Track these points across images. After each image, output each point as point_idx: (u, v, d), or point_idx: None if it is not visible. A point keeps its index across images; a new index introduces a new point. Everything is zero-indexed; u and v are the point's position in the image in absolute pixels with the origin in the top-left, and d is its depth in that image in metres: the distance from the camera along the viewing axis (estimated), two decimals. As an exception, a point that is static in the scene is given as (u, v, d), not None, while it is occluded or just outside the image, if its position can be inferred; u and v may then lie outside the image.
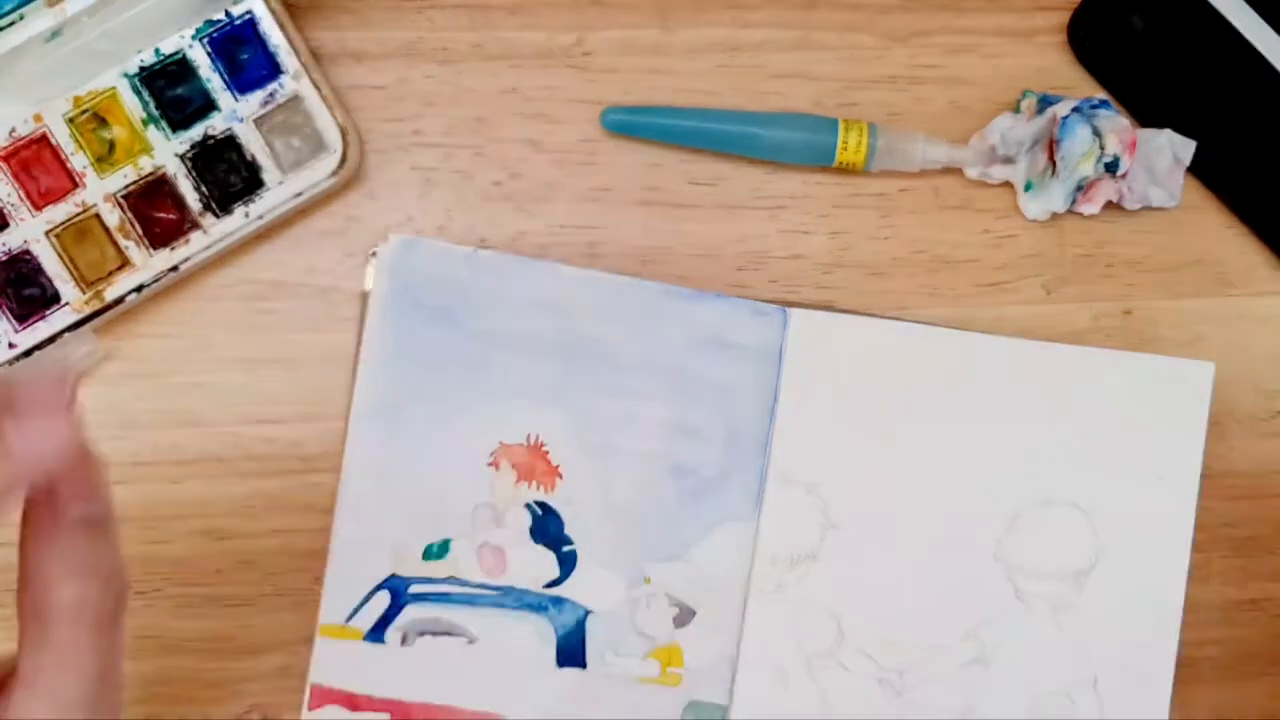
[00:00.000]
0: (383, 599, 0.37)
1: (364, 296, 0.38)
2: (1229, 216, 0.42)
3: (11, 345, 0.37)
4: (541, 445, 0.37)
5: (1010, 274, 0.41)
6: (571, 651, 0.37)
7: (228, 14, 0.38)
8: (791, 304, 0.39)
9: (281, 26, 0.38)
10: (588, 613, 0.37)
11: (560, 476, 0.37)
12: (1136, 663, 0.38)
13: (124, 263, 0.38)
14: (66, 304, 0.37)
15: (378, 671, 0.37)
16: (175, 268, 0.38)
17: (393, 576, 0.37)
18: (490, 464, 0.37)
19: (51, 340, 0.37)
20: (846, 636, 0.38)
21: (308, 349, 0.39)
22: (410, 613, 0.37)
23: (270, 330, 0.39)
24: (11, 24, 0.35)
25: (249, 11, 0.38)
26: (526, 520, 0.37)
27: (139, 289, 0.38)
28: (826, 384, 0.38)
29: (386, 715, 0.37)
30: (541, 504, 0.37)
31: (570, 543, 0.37)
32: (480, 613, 0.37)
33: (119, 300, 0.38)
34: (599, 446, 0.38)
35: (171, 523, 0.38)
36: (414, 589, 0.37)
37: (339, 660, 0.37)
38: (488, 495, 0.37)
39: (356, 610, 0.37)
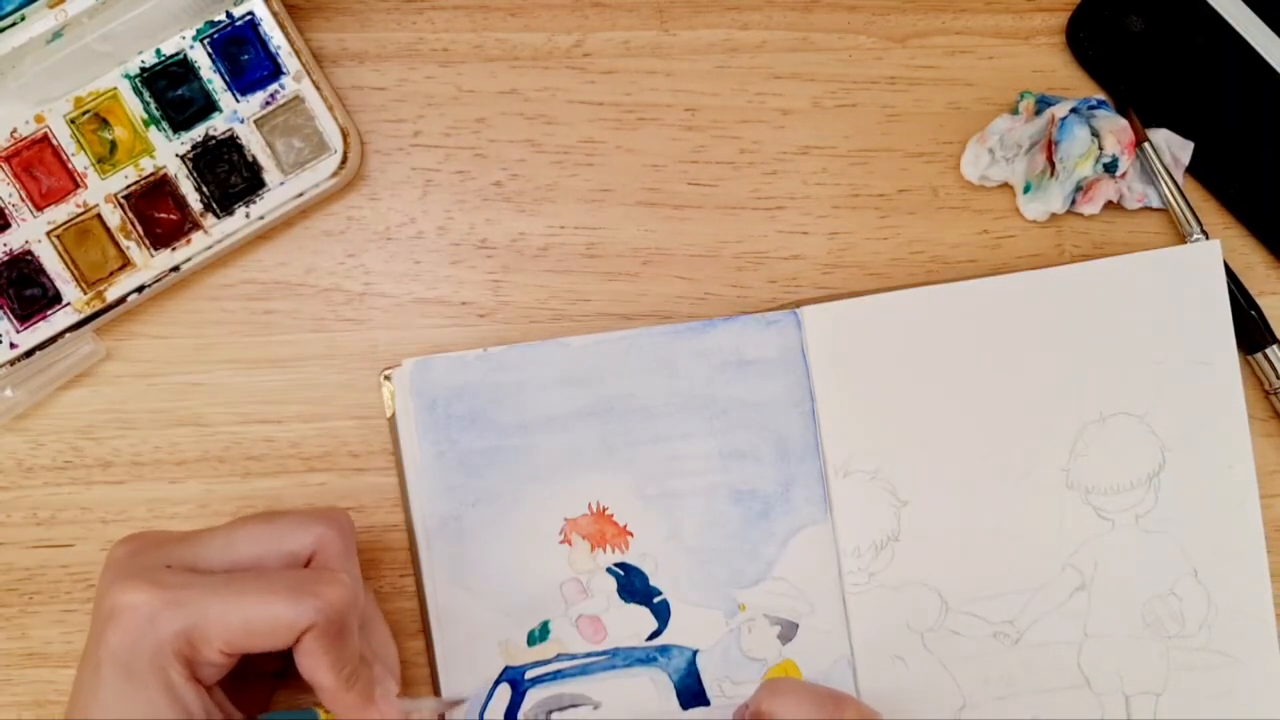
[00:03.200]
0: (504, 693, 0.38)
1: (391, 421, 0.38)
2: (1228, 216, 0.42)
3: (13, 345, 0.37)
4: (605, 510, 0.38)
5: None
6: (692, 692, 0.38)
7: (229, 15, 0.38)
8: (796, 304, 0.39)
9: (282, 27, 0.38)
10: (696, 652, 0.38)
11: (631, 535, 0.38)
12: (1228, 541, 0.39)
13: (125, 263, 0.38)
14: (68, 304, 0.38)
15: None
16: (176, 268, 0.38)
17: (506, 669, 0.38)
18: (562, 541, 0.38)
19: (52, 340, 0.38)
20: (950, 604, 0.38)
21: (308, 349, 0.39)
22: (533, 697, 0.38)
23: (270, 330, 0.39)
24: (13, 25, 0.35)
25: (250, 13, 0.38)
26: (612, 584, 0.38)
27: (140, 289, 0.38)
28: (857, 370, 0.38)
29: None
30: (622, 565, 0.38)
31: (659, 593, 0.38)
32: (597, 679, 0.38)
33: (120, 300, 0.38)
34: (658, 496, 0.38)
35: (171, 523, 0.38)
36: (530, 674, 0.38)
37: None
38: (569, 571, 0.38)
39: (484, 709, 0.38)
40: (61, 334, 0.38)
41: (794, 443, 0.38)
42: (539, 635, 0.38)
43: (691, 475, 0.38)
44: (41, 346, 0.38)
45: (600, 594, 0.38)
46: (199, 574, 0.31)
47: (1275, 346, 0.40)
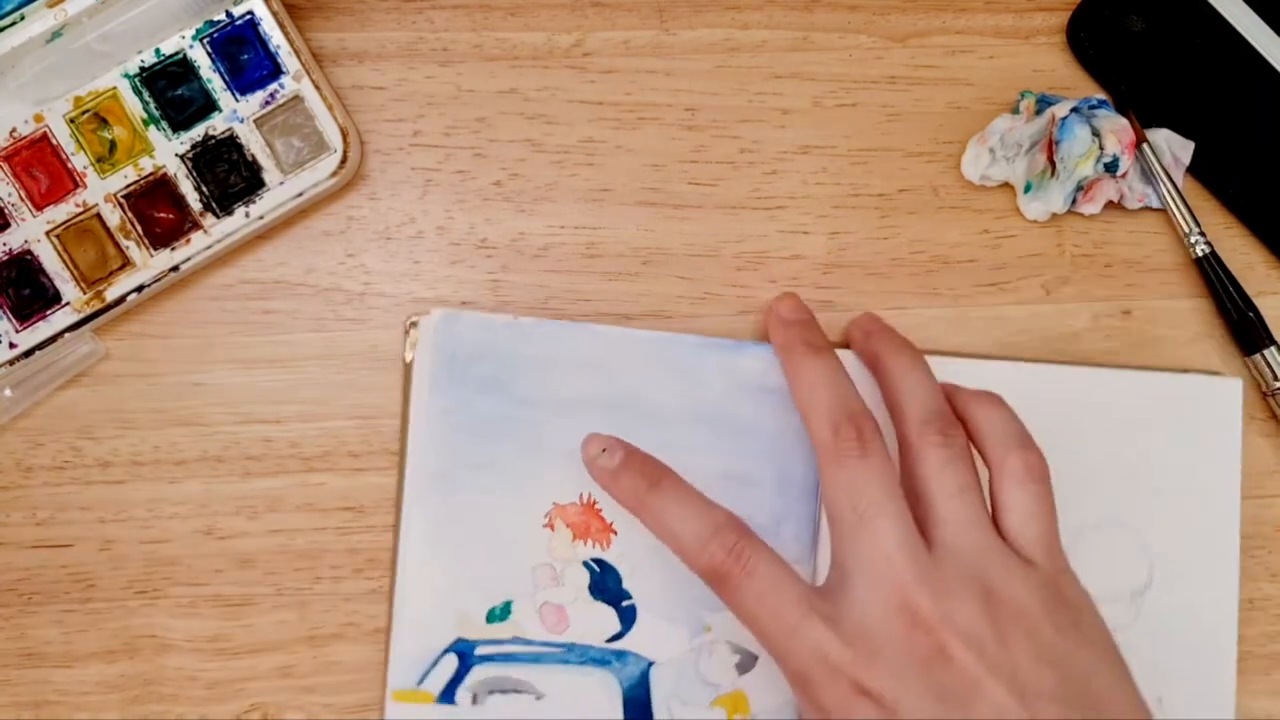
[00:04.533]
0: (451, 662, 0.37)
1: (406, 367, 0.38)
2: (1229, 216, 0.42)
3: (12, 345, 0.37)
4: (594, 504, 0.38)
5: (1009, 274, 0.41)
6: (638, 703, 0.37)
7: (228, 14, 0.38)
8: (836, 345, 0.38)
9: (282, 27, 0.38)
10: (651, 664, 0.38)
11: (614, 533, 0.38)
12: (1198, 676, 0.38)
13: (125, 263, 0.38)
14: (67, 304, 0.38)
15: None
16: (176, 268, 0.38)
17: (459, 640, 0.37)
18: (546, 525, 0.38)
19: (52, 340, 0.38)
20: None
21: (308, 349, 0.39)
22: (479, 673, 0.37)
23: (270, 330, 0.39)
24: (12, 24, 0.35)
25: (250, 12, 0.38)
26: (585, 578, 0.38)
27: (139, 289, 0.38)
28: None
29: None
30: (599, 561, 0.38)
31: (629, 597, 0.38)
32: (546, 670, 0.37)
33: (119, 300, 0.38)
34: None
35: (171, 523, 0.38)
36: (480, 650, 0.37)
37: None
38: (545, 556, 0.38)
39: (426, 674, 0.37)
40: (61, 334, 0.38)
41: (796, 480, 0.38)
42: (500, 614, 0.37)
43: (680, 474, 0.38)
44: (41, 346, 0.38)
45: (571, 585, 0.38)
46: None
47: (1274, 348, 0.40)
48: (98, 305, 0.38)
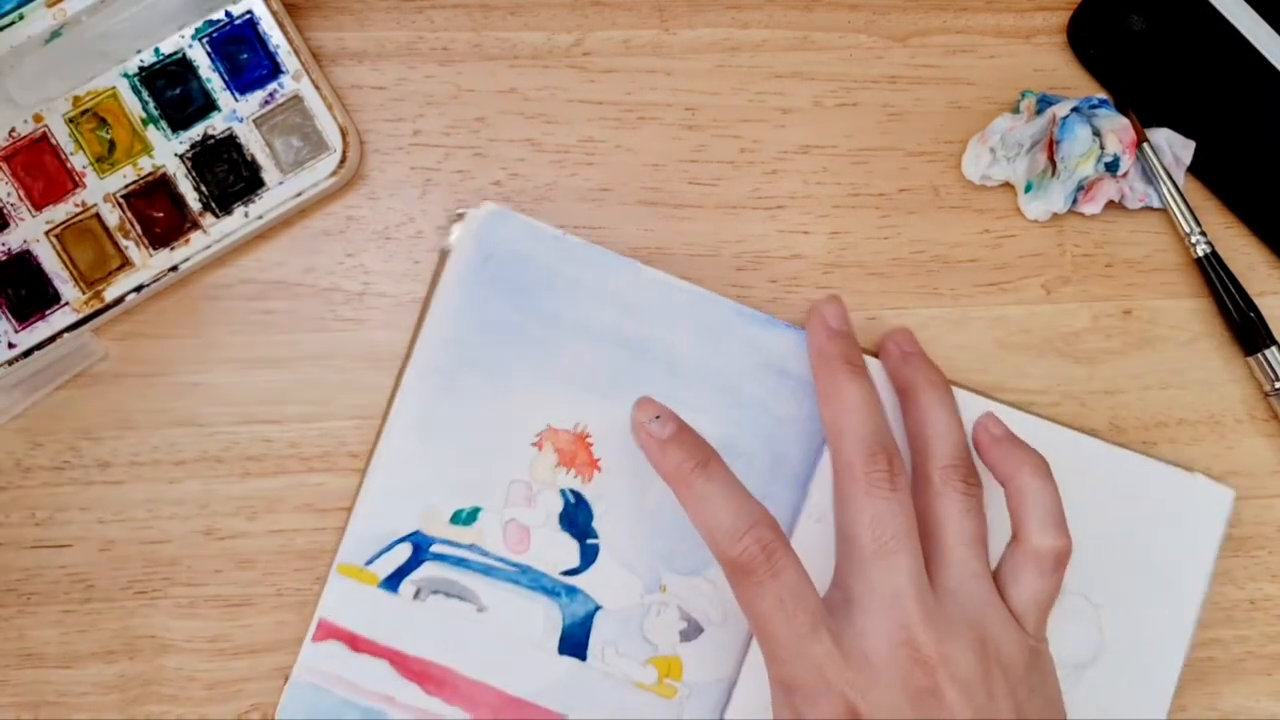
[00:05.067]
0: (404, 550, 0.37)
1: (443, 253, 0.38)
2: (1229, 216, 0.42)
3: (11, 345, 0.37)
4: (587, 436, 0.38)
5: (1010, 274, 0.41)
6: (574, 641, 0.37)
7: (228, 14, 0.38)
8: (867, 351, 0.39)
9: (281, 26, 0.38)
10: (598, 608, 0.37)
11: (599, 470, 0.38)
12: None
13: (124, 262, 0.38)
14: (66, 304, 0.38)
15: (386, 619, 0.37)
16: (175, 268, 0.38)
17: (417, 532, 0.37)
18: (534, 444, 0.38)
19: (51, 340, 0.38)
20: None
21: (308, 349, 0.39)
22: (428, 569, 0.37)
23: (270, 330, 0.39)
24: (11, 24, 0.35)
25: (249, 11, 0.38)
26: (558, 505, 0.38)
27: (139, 289, 0.38)
28: None
29: (385, 662, 0.37)
30: (575, 493, 0.38)
31: (595, 536, 0.38)
32: (495, 584, 0.37)
33: (119, 300, 0.38)
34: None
35: (171, 523, 0.38)
36: (436, 548, 0.37)
37: (350, 600, 0.37)
38: (525, 474, 0.38)
39: (377, 556, 0.37)
40: (60, 334, 0.38)
41: (788, 468, 0.38)
42: (466, 518, 0.37)
43: None
44: (40, 346, 0.37)
45: (542, 509, 0.37)
46: None
47: (1275, 348, 0.40)
48: (97, 305, 0.38)
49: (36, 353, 0.38)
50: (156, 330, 0.39)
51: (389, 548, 0.37)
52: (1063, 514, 0.35)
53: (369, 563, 0.37)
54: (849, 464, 0.34)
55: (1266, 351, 0.40)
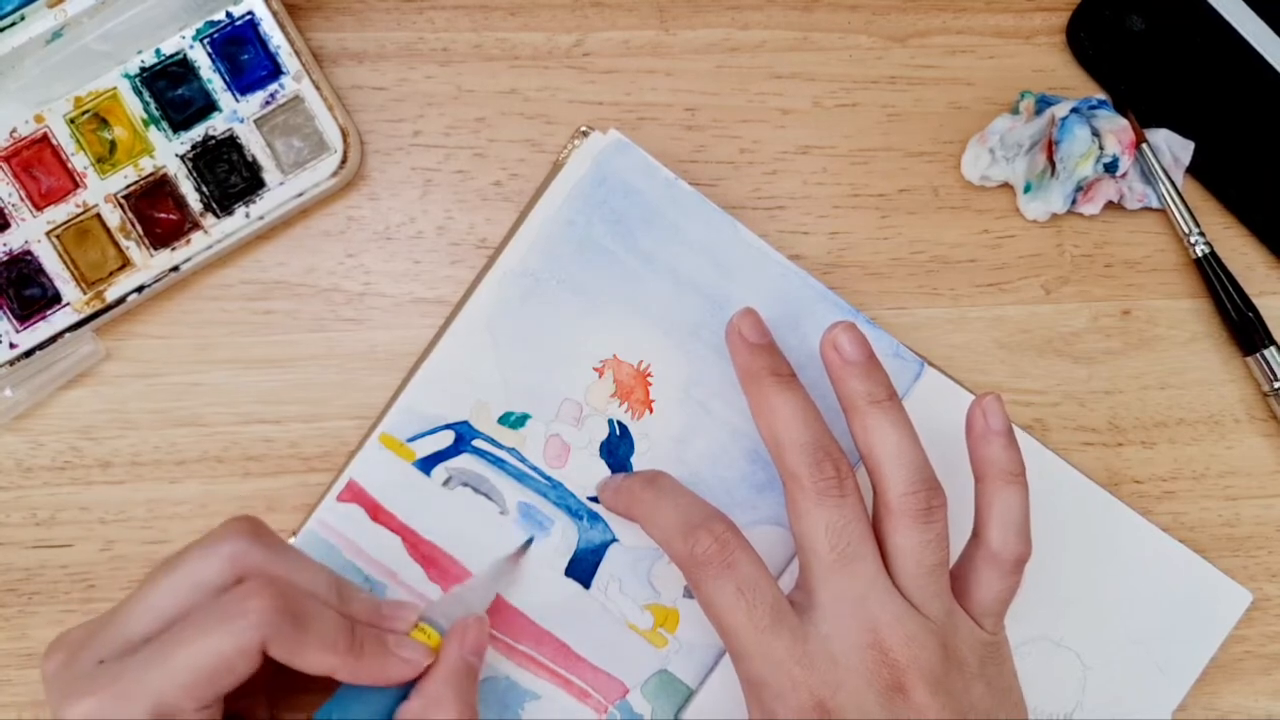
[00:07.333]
0: (446, 437, 0.38)
1: (555, 165, 0.38)
2: (1228, 216, 0.42)
3: (12, 345, 0.37)
4: (648, 375, 0.38)
5: (1009, 274, 0.41)
6: (583, 566, 0.38)
7: (228, 15, 0.38)
8: (926, 358, 0.39)
9: (282, 27, 0.38)
10: (614, 540, 0.38)
11: (651, 411, 0.38)
12: None
13: (125, 263, 0.38)
14: (67, 304, 0.38)
15: (411, 498, 0.37)
16: (176, 268, 0.38)
17: (465, 422, 0.38)
18: (597, 369, 0.38)
19: (52, 340, 0.38)
20: None
21: (308, 349, 0.39)
22: (464, 461, 0.38)
23: (270, 330, 0.39)
24: (12, 25, 0.35)
25: (250, 12, 0.38)
26: (603, 432, 0.38)
27: (140, 289, 0.38)
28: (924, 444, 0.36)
29: (398, 539, 0.37)
30: (622, 425, 0.38)
31: (631, 472, 0.38)
32: (523, 492, 0.38)
33: (120, 300, 0.38)
34: (699, 402, 0.38)
35: (171, 523, 0.38)
36: (478, 443, 0.38)
37: (383, 470, 0.37)
38: (580, 395, 0.38)
39: (420, 436, 0.38)
40: (61, 334, 0.38)
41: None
42: (514, 421, 0.38)
43: (735, 411, 0.38)
44: (41, 346, 0.38)
45: (587, 432, 0.38)
46: (133, 653, 0.30)
47: (1274, 348, 0.40)
48: (98, 305, 0.38)
49: (38, 353, 0.38)
50: (157, 330, 0.39)
51: (433, 430, 0.38)
52: (1028, 522, 0.34)
53: (411, 440, 0.38)
54: (794, 475, 0.34)
55: (1265, 351, 0.40)
